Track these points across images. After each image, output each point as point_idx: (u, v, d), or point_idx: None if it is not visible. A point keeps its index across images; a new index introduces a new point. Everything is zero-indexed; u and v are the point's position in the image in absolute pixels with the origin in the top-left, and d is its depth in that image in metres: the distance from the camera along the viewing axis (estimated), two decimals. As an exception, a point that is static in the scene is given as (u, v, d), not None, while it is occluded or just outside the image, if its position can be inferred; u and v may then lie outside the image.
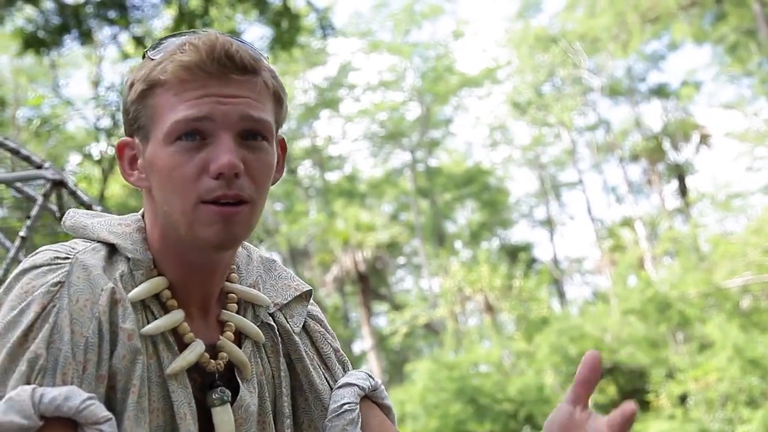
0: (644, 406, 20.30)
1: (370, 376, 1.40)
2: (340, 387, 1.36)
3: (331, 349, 1.41)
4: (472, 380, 20.76)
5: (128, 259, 1.20)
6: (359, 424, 1.33)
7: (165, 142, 1.15)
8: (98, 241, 1.21)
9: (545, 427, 1.20)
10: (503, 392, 19.99)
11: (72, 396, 1.03)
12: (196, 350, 1.21)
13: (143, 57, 1.22)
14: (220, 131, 1.14)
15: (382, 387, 1.42)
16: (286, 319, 1.36)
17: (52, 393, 1.03)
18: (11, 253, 2.72)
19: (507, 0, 48.85)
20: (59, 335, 1.09)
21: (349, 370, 1.41)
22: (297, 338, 1.35)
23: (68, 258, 1.15)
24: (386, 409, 1.41)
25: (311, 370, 1.35)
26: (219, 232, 1.15)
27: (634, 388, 20.83)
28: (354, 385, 1.36)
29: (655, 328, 20.31)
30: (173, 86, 1.14)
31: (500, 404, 19.78)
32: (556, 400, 19.70)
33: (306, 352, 1.36)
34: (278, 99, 1.22)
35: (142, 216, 1.27)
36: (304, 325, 1.39)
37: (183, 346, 1.21)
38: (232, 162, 1.13)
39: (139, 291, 1.18)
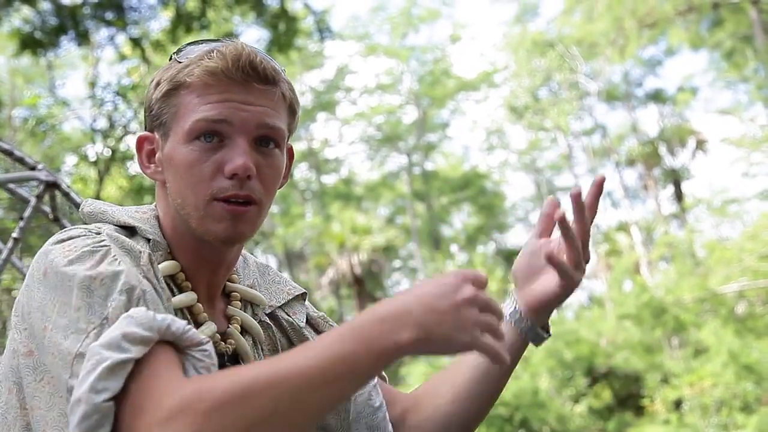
0: (639, 411, 20.31)
1: None
2: None
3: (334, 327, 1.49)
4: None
5: (148, 240, 1.27)
6: (379, 388, 1.44)
7: (185, 140, 1.23)
8: (117, 226, 1.27)
9: (516, 266, 1.44)
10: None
11: (176, 320, 1.07)
12: (210, 327, 1.28)
13: (170, 59, 1.30)
14: (237, 135, 1.23)
15: None
16: (288, 315, 1.44)
17: (162, 315, 1.06)
18: (4, 254, 2.71)
19: (504, 4, 48.94)
20: (136, 276, 1.13)
21: None
22: (305, 331, 1.43)
23: (99, 233, 1.20)
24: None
25: None
26: (228, 227, 1.24)
27: (629, 392, 20.85)
28: None
29: (650, 333, 20.32)
30: (198, 89, 1.23)
31: (495, 408, 19.75)
32: (551, 405, 19.72)
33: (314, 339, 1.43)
34: (292, 110, 1.32)
35: (156, 207, 1.35)
36: (306, 319, 1.47)
37: (195, 325, 1.28)
38: (246, 164, 1.22)
39: (162, 267, 1.25)
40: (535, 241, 1.41)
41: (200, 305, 1.29)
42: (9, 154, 2.76)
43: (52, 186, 2.78)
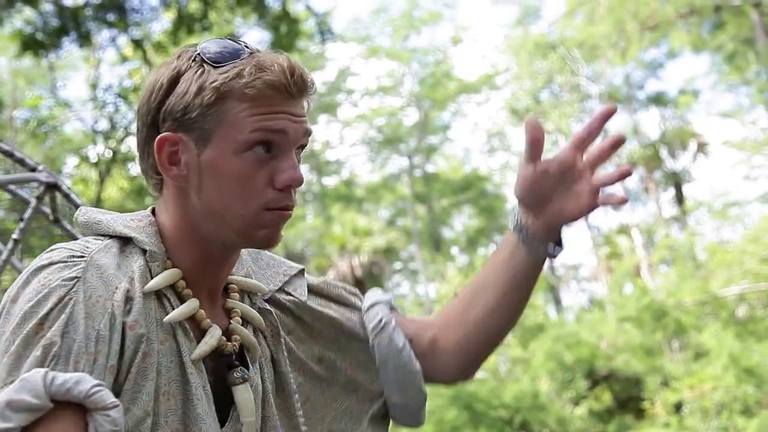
0: (639, 413, 20.30)
1: (383, 292, 1.56)
2: (369, 308, 1.53)
3: (339, 288, 1.55)
4: (467, 386, 20.73)
5: (144, 251, 1.28)
6: (401, 331, 1.50)
7: (238, 150, 1.24)
8: (112, 236, 1.29)
9: (523, 190, 1.41)
10: (498, 398, 19.96)
11: (82, 381, 1.07)
12: (215, 335, 1.30)
13: (193, 60, 1.28)
14: (288, 146, 1.27)
15: (394, 301, 1.57)
16: (289, 293, 1.48)
17: (64, 377, 1.06)
18: (4, 256, 2.72)
19: (506, 6, 48.96)
20: (74, 326, 1.13)
21: (361, 297, 1.57)
22: (309, 302, 1.48)
23: (83, 256, 1.21)
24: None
25: (333, 315, 1.50)
26: (273, 234, 1.30)
27: (630, 395, 20.83)
28: (379, 302, 1.53)
29: (650, 335, 20.31)
30: (255, 100, 1.24)
31: (495, 410, 19.74)
32: (551, 407, 19.71)
33: (321, 306, 1.50)
34: None
35: (152, 212, 1.36)
36: (308, 288, 1.51)
37: (197, 332, 1.30)
38: (301, 178, 1.28)
39: (156, 282, 1.25)
40: (531, 166, 1.39)
41: (202, 312, 1.31)
42: (9, 155, 2.76)
43: (52, 187, 2.78)
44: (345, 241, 26.02)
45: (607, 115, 1.38)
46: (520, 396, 19.74)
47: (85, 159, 17.02)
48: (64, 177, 16.72)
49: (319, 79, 34.70)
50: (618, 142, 1.38)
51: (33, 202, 2.78)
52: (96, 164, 15.27)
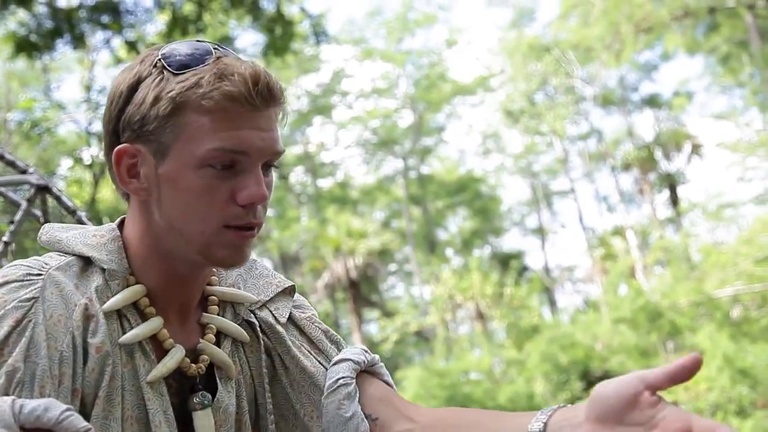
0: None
1: (366, 351, 1.39)
2: (334, 364, 1.36)
3: (321, 331, 1.41)
4: (462, 388, 20.74)
5: (103, 270, 1.22)
6: (357, 398, 1.31)
7: (195, 165, 1.17)
8: (73, 254, 1.23)
9: (597, 394, 1.01)
10: (493, 400, 19.96)
11: (51, 407, 1.03)
12: (176, 356, 1.23)
13: (154, 66, 1.20)
14: (252, 163, 1.18)
15: (382, 363, 1.40)
16: (271, 312, 1.38)
17: (32, 404, 1.02)
18: (-6, 258, 2.71)
19: (500, 9, 49.01)
20: (36, 349, 1.11)
21: (344, 348, 1.41)
22: (282, 329, 1.36)
23: (41, 274, 1.17)
24: (389, 386, 1.40)
25: (301, 357, 1.36)
26: (235, 254, 1.21)
27: (625, 397, 20.80)
28: (348, 360, 1.35)
29: (645, 337, 20.33)
30: (212, 113, 1.15)
31: (490, 412, 19.74)
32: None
33: (293, 341, 1.37)
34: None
35: (119, 225, 1.29)
36: (290, 316, 1.40)
37: (161, 352, 1.24)
38: (264, 194, 1.19)
39: (114, 301, 1.20)
40: (643, 387, 1.00)
41: (165, 331, 1.24)
42: (0, 157, 2.76)
43: (43, 189, 2.78)
44: (340, 243, 26.01)
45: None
46: (515, 397, 19.75)
47: (79, 161, 16.98)
48: (58, 179, 16.68)
49: (314, 81, 34.72)
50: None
51: (23, 204, 2.77)
52: (90, 166, 15.24)
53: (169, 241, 1.22)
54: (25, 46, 11.14)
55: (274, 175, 1.25)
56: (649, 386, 1.00)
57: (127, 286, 1.23)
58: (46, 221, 2.85)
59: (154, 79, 1.18)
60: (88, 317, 1.17)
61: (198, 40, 1.23)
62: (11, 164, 2.79)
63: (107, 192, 16.50)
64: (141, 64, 1.21)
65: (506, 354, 22.63)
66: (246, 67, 1.17)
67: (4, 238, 2.69)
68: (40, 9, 11.34)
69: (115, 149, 1.20)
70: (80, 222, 2.82)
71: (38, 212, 2.85)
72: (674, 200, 29.67)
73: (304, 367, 1.35)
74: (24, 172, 2.80)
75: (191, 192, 1.18)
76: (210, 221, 1.18)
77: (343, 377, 1.32)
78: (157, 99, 1.17)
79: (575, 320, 24.73)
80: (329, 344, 1.41)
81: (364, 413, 1.31)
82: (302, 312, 1.43)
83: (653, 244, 27.11)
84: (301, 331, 1.40)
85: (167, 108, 1.16)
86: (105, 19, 12.16)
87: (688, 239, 25.91)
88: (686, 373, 1.00)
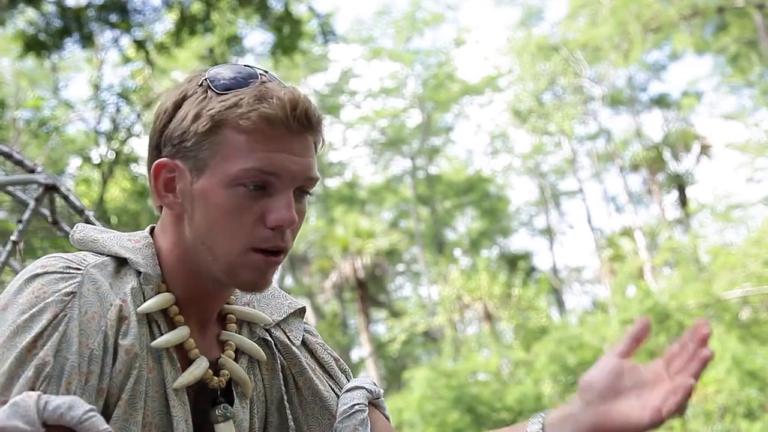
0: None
1: (375, 383, 1.44)
2: (348, 390, 1.40)
3: (332, 358, 1.45)
4: (470, 388, 20.71)
5: (138, 273, 1.25)
6: (369, 425, 1.36)
7: (227, 184, 1.19)
8: (108, 255, 1.25)
9: (590, 381, 1.15)
10: (501, 401, 19.94)
11: (75, 406, 1.04)
12: (202, 365, 1.26)
13: (200, 85, 1.23)
14: (284, 186, 1.21)
15: (383, 398, 1.45)
16: (285, 333, 1.40)
17: (57, 401, 1.04)
18: (2, 257, 2.71)
19: (509, 8, 48.96)
20: (67, 345, 1.12)
21: (351, 378, 1.46)
22: (297, 351, 1.40)
23: (80, 269, 1.18)
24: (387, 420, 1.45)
25: (314, 379, 1.39)
26: (259, 277, 1.23)
27: (633, 398, 20.76)
28: (362, 387, 1.40)
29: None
30: (249, 133, 1.18)
31: (498, 413, 19.72)
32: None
33: (307, 363, 1.40)
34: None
35: (150, 232, 1.32)
36: (302, 339, 1.43)
37: (185, 361, 1.26)
38: (293, 218, 1.20)
39: (149, 304, 1.22)
40: (619, 361, 1.16)
41: (191, 341, 1.27)
42: (8, 156, 2.75)
43: (51, 189, 2.77)
44: (348, 243, 26.00)
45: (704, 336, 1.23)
46: (523, 398, 19.73)
47: (87, 160, 17.03)
48: (67, 178, 16.74)
49: (322, 80, 34.75)
50: (705, 360, 1.22)
51: (31, 203, 2.77)
52: (99, 165, 15.27)
53: (197, 257, 1.24)
54: (34, 45, 11.18)
55: (307, 202, 1.27)
56: (620, 354, 1.16)
57: (159, 293, 1.25)
58: (54, 221, 2.85)
59: (198, 97, 1.22)
60: (121, 318, 1.19)
61: (246, 65, 1.25)
62: (19, 163, 2.79)
63: (116, 191, 16.55)
64: (188, 83, 1.26)
65: (514, 355, 22.60)
66: (286, 92, 1.20)
67: (13, 237, 2.70)
68: (49, 8, 11.38)
69: (155, 163, 1.24)
70: (88, 221, 2.81)
71: (46, 212, 2.85)
72: (683, 201, 29.58)
73: (317, 389, 1.39)
74: (32, 171, 2.79)
75: (221, 209, 1.20)
76: (237, 241, 1.20)
77: (358, 404, 1.37)
78: (197, 116, 1.21)
79: (583, 321, 24.66)
80: (339, 372, 1.45)
81: None
82: (314, 337, 1.46)
83: (662, 245, 27.01)
84: (313, 355, 1.43)
85: (206, 125, 1.19)
86: (113, 18, 12.20)
87: (697, 240, 25.81)
88: (643, 330, 1.20)
